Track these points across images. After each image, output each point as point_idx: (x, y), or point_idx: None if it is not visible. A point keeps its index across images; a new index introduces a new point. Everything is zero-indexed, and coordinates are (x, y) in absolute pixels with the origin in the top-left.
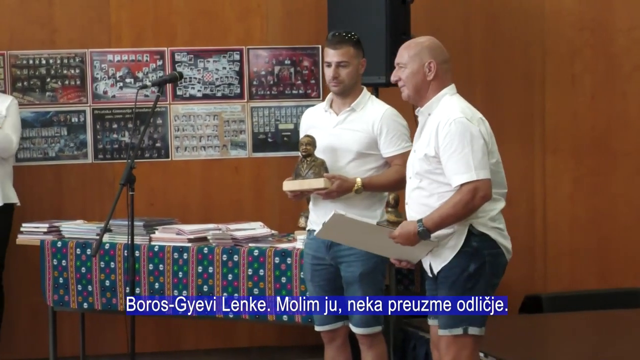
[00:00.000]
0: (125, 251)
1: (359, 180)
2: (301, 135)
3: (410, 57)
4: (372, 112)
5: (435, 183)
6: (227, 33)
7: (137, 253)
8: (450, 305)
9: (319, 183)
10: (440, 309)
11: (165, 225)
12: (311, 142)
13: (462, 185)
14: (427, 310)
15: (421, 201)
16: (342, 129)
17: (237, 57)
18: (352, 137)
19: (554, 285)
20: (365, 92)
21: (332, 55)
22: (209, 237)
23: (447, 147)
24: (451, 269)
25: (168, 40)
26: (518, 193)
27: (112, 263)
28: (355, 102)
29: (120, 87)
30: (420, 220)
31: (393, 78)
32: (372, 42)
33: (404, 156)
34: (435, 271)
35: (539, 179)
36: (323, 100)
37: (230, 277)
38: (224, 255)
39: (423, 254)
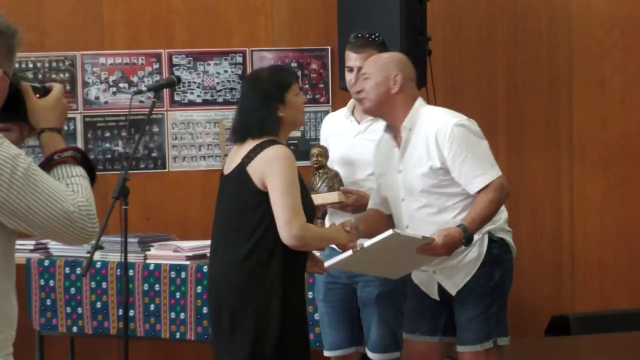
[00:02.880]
0: (118, 270)
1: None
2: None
3: (377, 68)
4: None
5: (443, 197)
6: (229, 33)
7: (131, 272)
8: (481, 318)
9: (332, 197)
10: (469, 325)
11: (161, 242)
12: (322, 152)
13: (487, 185)
14: (454, 330)
15: (431, 219)
16: (363, 139)
17: (239, 59)
18: (373, 149)
19: (582, 305)
20: None
21: (353, 59)
22: (209, 255)
23: (457, 154)
24: (477, 281)
25: (165, 41)
26: (543, 204)
27: (103, 283)
28: None
29: (114, 93)
30: (461, 225)
31: (356, 88)
32: (387, 43)
33: None
34: (455, 289)
35: (565, 189)
36: (333, 105)
37: None
38: None
39: (431, 261)
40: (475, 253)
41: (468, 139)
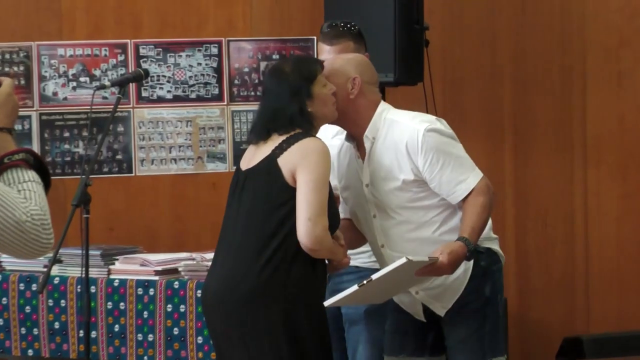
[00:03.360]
0: (79, 286)
1: None
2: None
3: (333, 70)
4: None
5: (420, 211)
6: (203, 22)
7: (92, 288)
8: (474, 338)
9: None
10: (461, 346)
11: (127, 255)
12: None
13: (471, 190)
14: (446, 348)
15: (409, 236)
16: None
17: (215, 50)
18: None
19: (597, 325)
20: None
21: (327, 52)
22: (180, 269)
23: (433, 163)
24: (466, 297)
25: (131, 30)
26: (554, 214)
27: (62, 301)
28: None
29: (74, 88)
30: (463, 239)
31: None
32: (378, 33)
33: None
34: (444, 310)
35: (579, 197)
36: None
37: None
38: (199, 291)
39: (422, 282)
40: (461, 268)
41: (442, 144)
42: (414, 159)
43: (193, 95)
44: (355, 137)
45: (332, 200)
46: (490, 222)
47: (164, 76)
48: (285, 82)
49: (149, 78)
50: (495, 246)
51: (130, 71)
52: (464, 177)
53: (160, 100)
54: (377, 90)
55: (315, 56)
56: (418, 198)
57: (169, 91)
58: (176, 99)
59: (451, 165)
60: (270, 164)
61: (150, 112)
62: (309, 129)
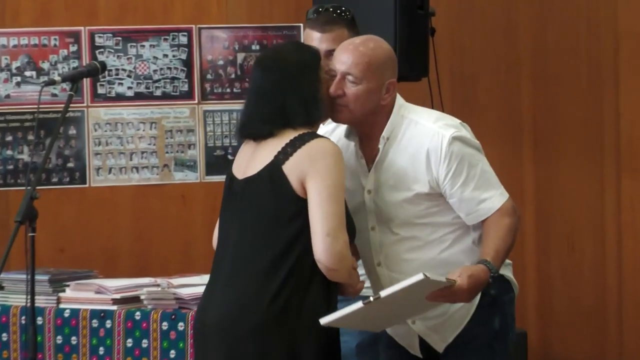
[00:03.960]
0: (23, 317)
1: None
2: None
3: (370, 72)
4: None
5: (429, 228)
6: (169, 6)
7: (39, 320)
8: None
9: None
10: None
11: (80, 280)
12: None
13: (498, 209)
14: None
15: (409, 256)
16: None
17: (183, 40)
18: None
19: None
20: None
21: (318, 40)
22: (142, 297)
23: (456, 175)
24: (472, 331)
25: (85, 16)
26: (582, 232)
27: (4, 334)
28: None
29: (17, 84)
30: (485, 262)
31: (336, 90)
32: (375, 19)
33: None
34: (444, 345)
35: (611, 212)
36: None
37: (173, 353)
38: (164, 323)
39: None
40: None
41: (468, 154)
42: (435, 168)
43: (158, 93)
44: (365, 135)
45: (348, 210)
46: None
47: (124, 70)
48: (285, 69)
49: (106, 72)
50: (508, 273)
51: (84, 64)
52: (488, 195)
53: (120, 98)
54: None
55: None
56: (429, 213)
57: (129, 87)
58: (138, 96)
59: (475, 180)
60: (274, 172)
61: (108, 112)
62: (315, 124)
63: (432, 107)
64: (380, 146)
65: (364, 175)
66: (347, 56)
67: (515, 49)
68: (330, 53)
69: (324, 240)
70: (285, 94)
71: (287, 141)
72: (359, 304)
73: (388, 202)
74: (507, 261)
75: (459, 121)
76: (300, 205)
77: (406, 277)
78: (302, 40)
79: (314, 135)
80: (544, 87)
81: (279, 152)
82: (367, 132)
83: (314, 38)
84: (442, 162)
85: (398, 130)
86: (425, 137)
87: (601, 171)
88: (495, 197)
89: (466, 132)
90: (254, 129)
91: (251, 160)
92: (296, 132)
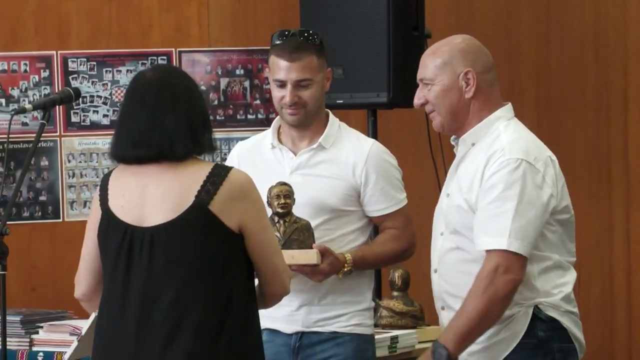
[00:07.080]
0: None
1: (348, 256)
2: None
3: (438, 68)
4: (351, 150)
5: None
6: (146, 28)
7: None
8: None
9: (309, 257)
10: None
11: (53, 322)
12: (289, 193)
13: (487, 252)
14: None
15: (462, 268)
16: (305, 176)
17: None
18: (323, 188)
19: None
20: (333, 120)
21: (286, 70)
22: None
23: (487, 192)
24: None
25: (57, 40)
26: (588, 267)
27: None
28: (322, 136)
29: None
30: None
31: (417, 101)
32: (367, 40)
33: (401, 214)
34: None
35: (620, 246)
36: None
37: None
38: None
39: None
40: (509, 331)
41: (513, 185)
42: (483, 179)
43: None
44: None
45: None
46: (570, 290)
47: (99, 96)
48: (183, 87)
49: (81, 99)
50: (569, 324)
51: (56, 90)
52: (495, 231)
53: (95, 126)
54: (495, 79)
55: (267, 74)
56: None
57: (105, 115)
58: (114, 125)
59: (495, 209)
60: (203, 214)
61: (82, 141)
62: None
63: (429, 135)
64: (462, 148)
65: (450, 177)
66: (421, 64)
67: (517, 72)
68: (298, 83)
69: (283, 277)
70: (183, 113)
71: (203, 177)
72: None
73: (451, 206)
74: (574, 310)
75: (547, 154)
76: (234, 244)
77: (456, 291)
78: (267, 68)
79: (224, 167)
80: (546, 113)
81: (199, 192)
82: (454, 130)
83: (281, 67)
84: (487, 173)
85: (483, 136)
86: (495, 149)
87: (608, 203)
88: (500, 240)
89: (533, 167)
90: (142, 152)
91: (148, 202)
92: (201, 163)
